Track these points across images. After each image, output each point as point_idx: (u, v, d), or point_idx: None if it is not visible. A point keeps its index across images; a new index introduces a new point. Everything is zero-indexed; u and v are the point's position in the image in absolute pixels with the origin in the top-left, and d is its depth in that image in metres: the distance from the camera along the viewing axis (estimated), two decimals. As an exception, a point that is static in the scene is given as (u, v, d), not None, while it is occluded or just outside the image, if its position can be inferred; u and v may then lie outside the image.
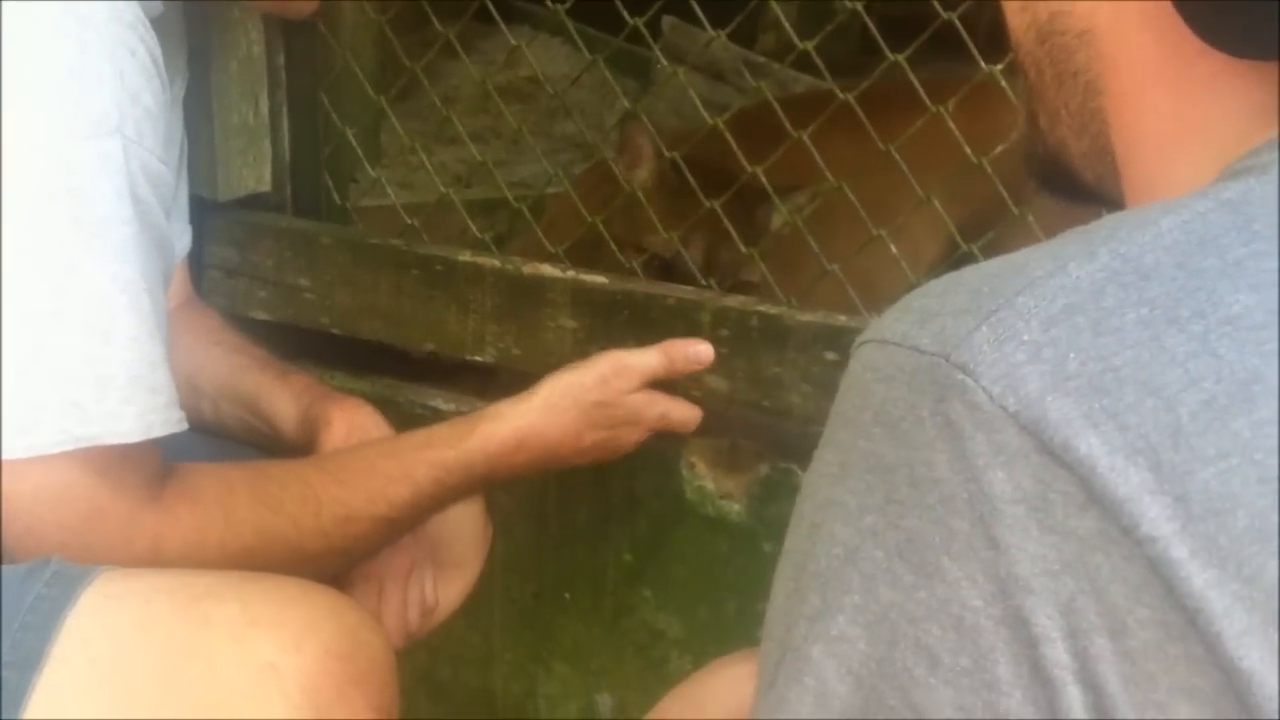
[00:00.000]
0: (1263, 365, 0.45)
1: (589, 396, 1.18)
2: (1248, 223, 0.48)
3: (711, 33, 1.49)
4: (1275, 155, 0.52)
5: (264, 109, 1.55)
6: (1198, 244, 0.48)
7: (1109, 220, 0.52)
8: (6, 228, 0.93)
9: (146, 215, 0.98)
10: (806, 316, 1.35)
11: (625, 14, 1.49)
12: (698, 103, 1.58)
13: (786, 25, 1.63)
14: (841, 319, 1.35)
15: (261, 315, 1.59)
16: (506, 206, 2.03)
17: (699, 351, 1.23)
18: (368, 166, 1.64)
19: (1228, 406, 0.44)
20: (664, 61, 1.63)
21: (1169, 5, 0.53)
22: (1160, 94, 0.57)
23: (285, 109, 1.57)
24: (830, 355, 1.34)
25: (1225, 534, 0.43)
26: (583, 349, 1.44)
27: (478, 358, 1.51)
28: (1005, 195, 1.37)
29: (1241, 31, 0.51)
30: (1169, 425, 0.44)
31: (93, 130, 0.95)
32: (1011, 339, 0.47)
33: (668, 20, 3.15)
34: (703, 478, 1.47)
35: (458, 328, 1.51)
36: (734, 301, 1.38)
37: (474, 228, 1.56)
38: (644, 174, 1.79)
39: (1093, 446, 0.44)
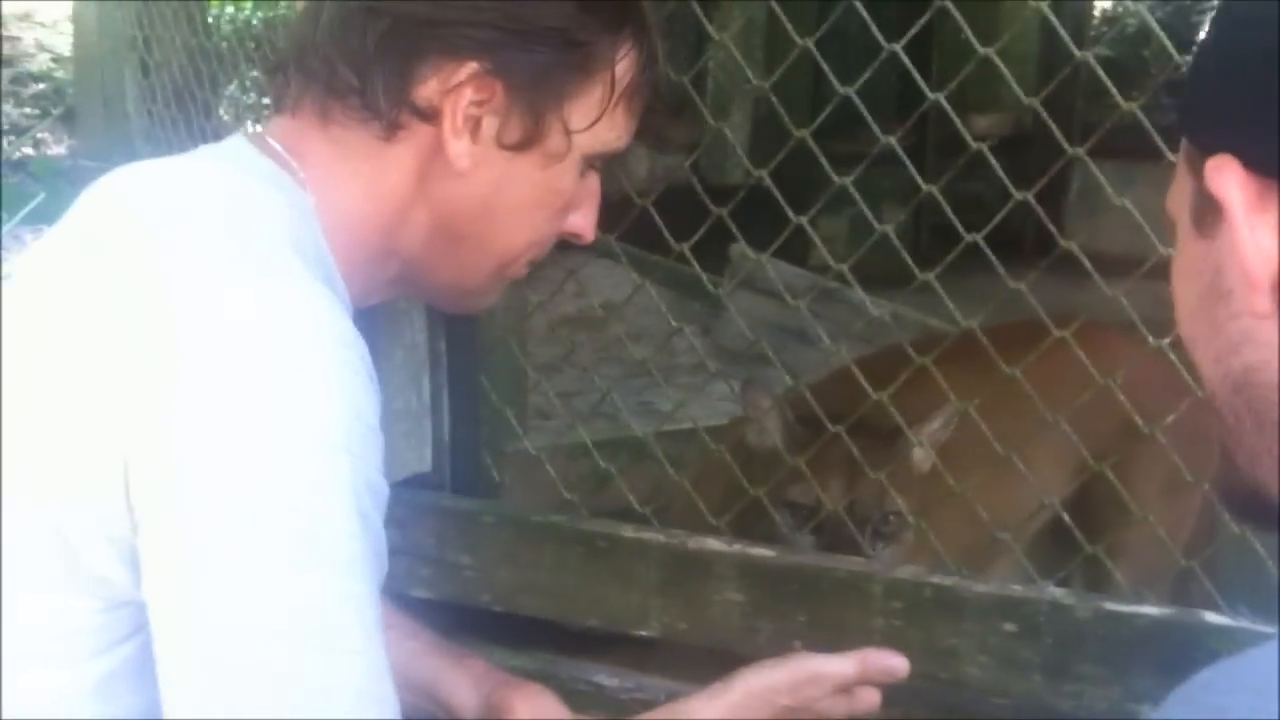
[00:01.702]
0: None
1: (780, 700, 1.17)
2: None
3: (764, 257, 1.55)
4: None
5: (425, 393, 1.60)
6: None
7: None
8: (236, 542, 0.96)
9: (369, 528, 1.01)
10: (982, 587, 1.35)
11: (673, 240, 1.55)
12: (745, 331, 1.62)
13: (821, 246, 1.66)
14: (1018, 589, 1.34)
15: (422, 593, 1.62)
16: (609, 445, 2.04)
17: (895, 666, 1.21)
18: (526, 443, 1.68)
19: None
20: (718, 287, 1.69)
21: None
22: None
23: (445, 391, 1.62)
24: (1009, 626, 1.33)
25: None
26: (750, 622, 1.45)
27: (641, 632, 1.52)
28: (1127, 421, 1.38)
29: None
30: None
31: (320, 448, 0.98)
32: None
33: (735, 248, 3.23)
34: (878, 753, 1.44)
35: (621, 603, 1.52)
36: (906, 573, 1.39)
37: (634, 503, 1.58)
38: (773, 433, 1.82)
39: None
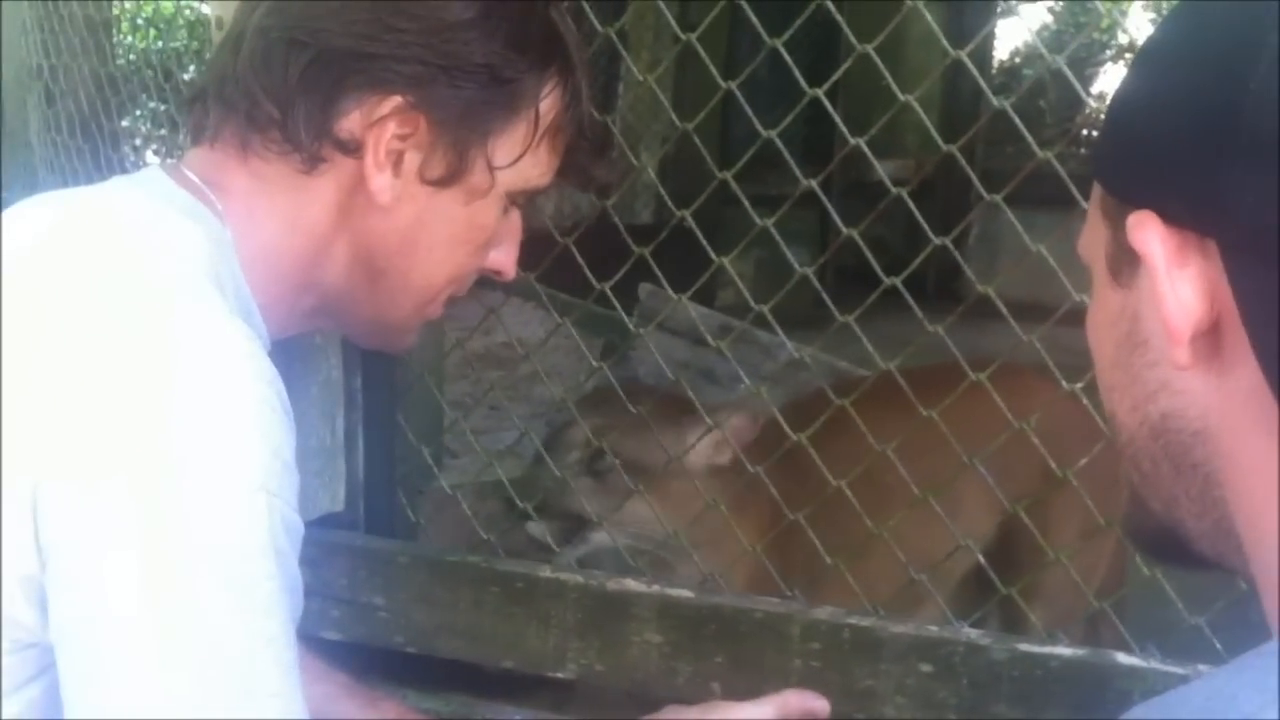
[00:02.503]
0: None
1: None
2: None
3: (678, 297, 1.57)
4: None
5: (340, 430, 1.57)
6: None
7: None
8: (150, 580, 0.93)
9: (284, 567, 0.99)
10: (899, 628, 1.35)
11: (594, 280, 1.55)
12: (665, 367, 1.62)
13: (742, 286, 1.68)
14: (934, 630, 1.35)
15: (333, 635, 1.58)
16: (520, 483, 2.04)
17: (816, 708, 1.21)
18: (443, 483, 1.66)
19: None
20: (634, 326, 1.71)
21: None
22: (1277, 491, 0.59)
23: (360, 429, 1.60)
24: (925, 667, 1.33)
25: None
26: (669, 664, 1.44)
27: (559, 674, 1.50)
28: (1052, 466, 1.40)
29: None
30: None
31: (239, 486, 0.96)
32: None
33: (644, 287, 3.24)
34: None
35: (539, 644, 1.50)
36: (824, 614, 1.39)
37: (552, 544, 1.57)
38: None
39: None
